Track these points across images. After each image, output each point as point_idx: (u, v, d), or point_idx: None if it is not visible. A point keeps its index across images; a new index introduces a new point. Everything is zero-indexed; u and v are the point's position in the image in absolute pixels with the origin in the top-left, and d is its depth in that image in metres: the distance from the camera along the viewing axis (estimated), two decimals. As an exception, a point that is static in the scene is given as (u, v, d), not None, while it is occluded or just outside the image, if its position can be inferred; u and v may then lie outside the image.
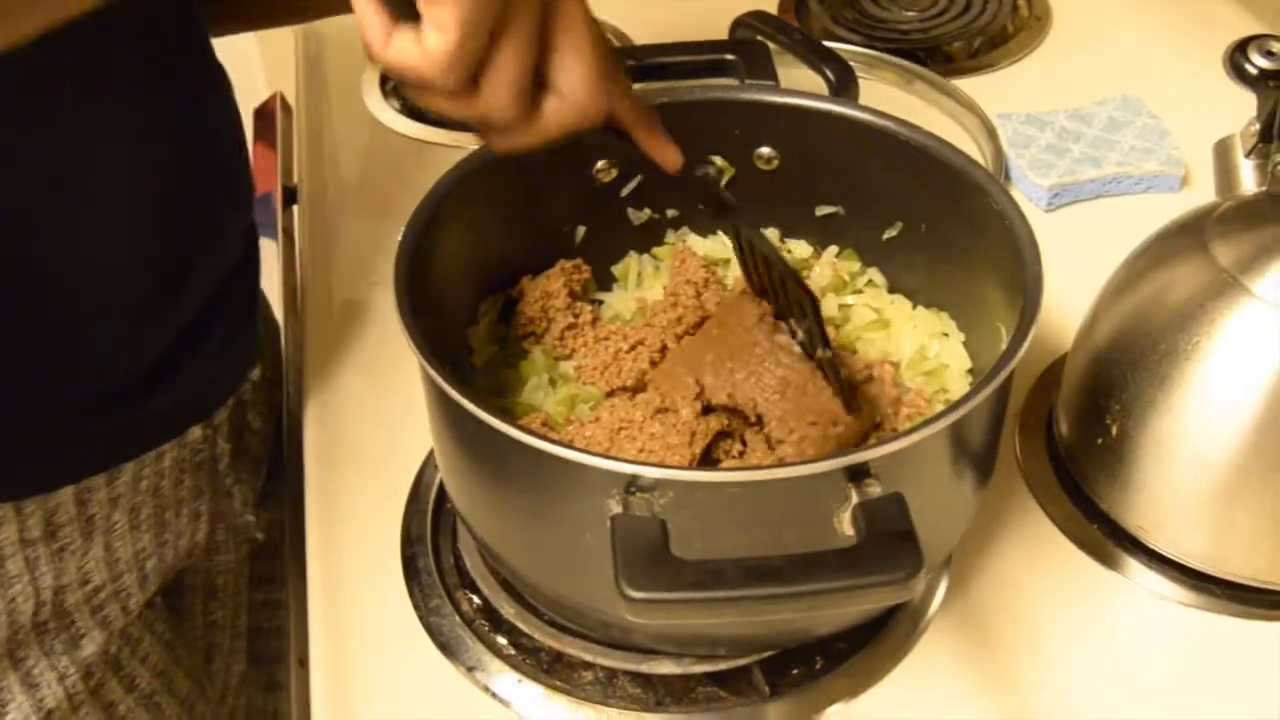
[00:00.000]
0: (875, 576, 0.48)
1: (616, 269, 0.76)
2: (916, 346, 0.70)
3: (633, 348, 0.69)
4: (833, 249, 0.75)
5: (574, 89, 0.52)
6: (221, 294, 0.72)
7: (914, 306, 0.73)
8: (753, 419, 0.64)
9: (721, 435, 0.64)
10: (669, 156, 0.61)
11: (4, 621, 0.68)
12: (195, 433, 0.73)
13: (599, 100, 0.53)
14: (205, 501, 0.77)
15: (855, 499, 0.51)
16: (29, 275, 0.61)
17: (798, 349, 0.64)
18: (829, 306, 0.72)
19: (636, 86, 0.72)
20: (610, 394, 0.67)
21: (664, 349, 0.69)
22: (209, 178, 0.69)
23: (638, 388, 0.67)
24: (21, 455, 0.65)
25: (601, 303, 0.75)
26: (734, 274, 0.74)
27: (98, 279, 0.64)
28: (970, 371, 0.69)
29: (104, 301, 0.64)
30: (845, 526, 0.51)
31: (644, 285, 0.76)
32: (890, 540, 0.49)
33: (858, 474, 0.51)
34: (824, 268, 0.74)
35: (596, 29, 0.52)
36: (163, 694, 0.77)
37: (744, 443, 0.64)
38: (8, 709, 0.69)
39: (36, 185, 0.60)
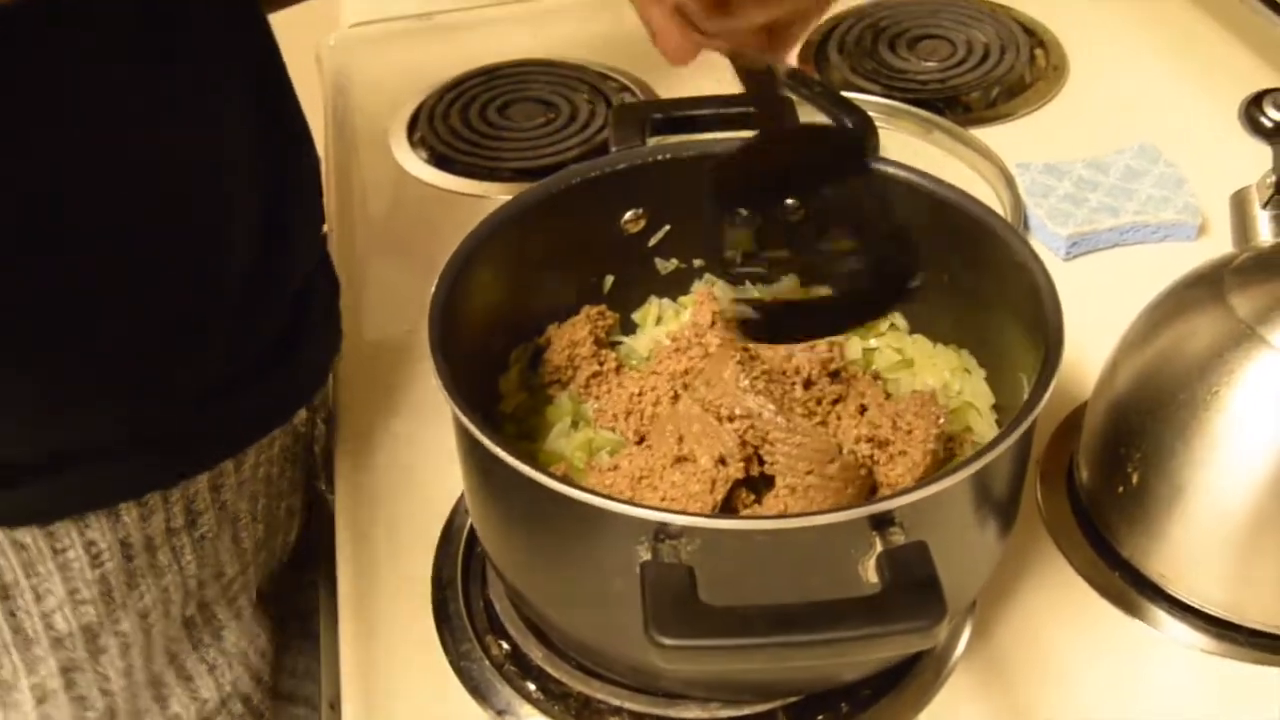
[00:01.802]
0: (899, 624, 0.49)
1: (636, 314, 0.78)
2: (940, 383, 0.71)
3: (642, 394, 0.70)
4: (856, 294, 0.76)
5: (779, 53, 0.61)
6: (313, 278, 0.77)
7: (934, 344, 0.74)
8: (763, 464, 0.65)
9: (738, 484, 0.65)
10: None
11: (160, 614, 0.71)
12: (301, 415, 0.77)
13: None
14: (301, 496, 0.81)
15: (879, 547, 0.52)
16: (173, 259, 0.65)
17: (771, 406, 0.65)
18: (853, 349, 0.73)
19: (665, 140, 0.75)
20: (639, 441, 0.68)
21: (675, 396, 0.70)
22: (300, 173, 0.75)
23: (644, 436, 0.68)
24: (164, 444, 0.69)
25: (621, 344, 0.76)
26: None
27: (224, 256, 0.68)
28: (995, 408, 0.70)
29: (228, 280, 0.68)
30: (870, 574, 0.52)
31: (663, 326, 0.77)
32: (914, 588, 0.49)
33: (881, 522, 0.52)
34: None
35: None
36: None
37: (757, 491, 0.65)
38: (169, 704, 0.73)
39: (181, 166, 0.64)
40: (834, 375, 0.71)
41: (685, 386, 0.70)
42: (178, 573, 0.72)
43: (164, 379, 0.67)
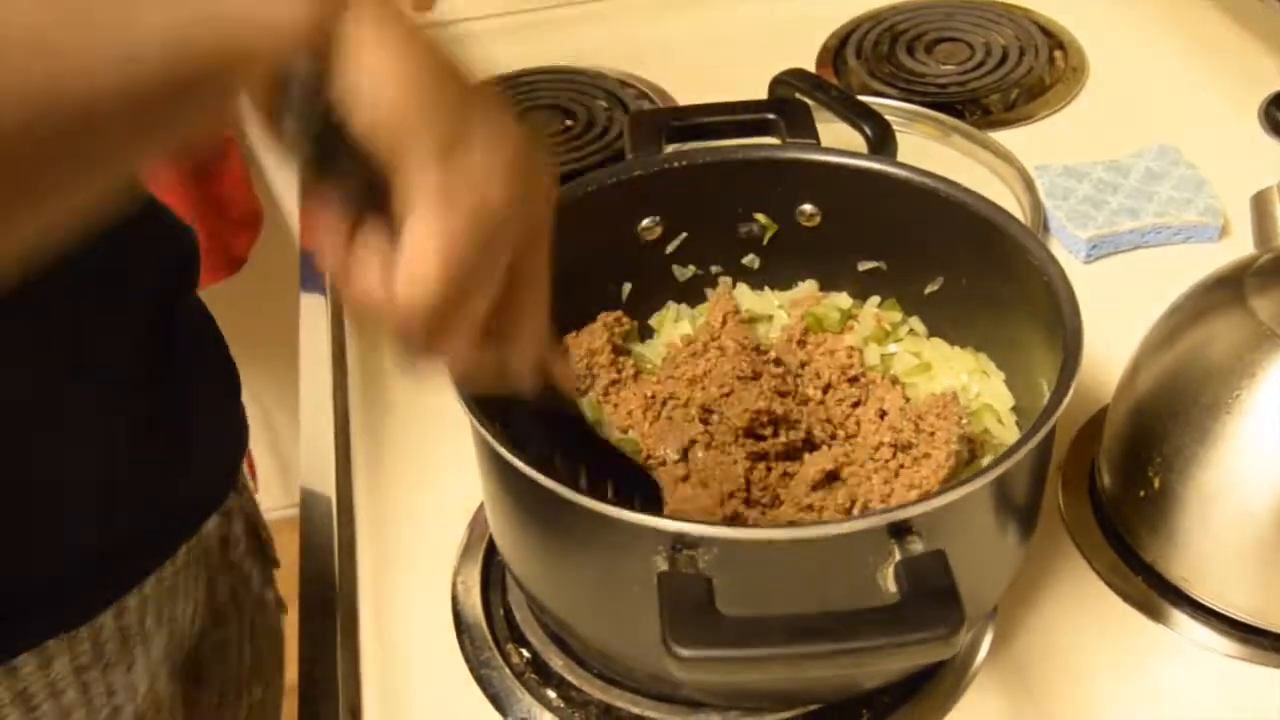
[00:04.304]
0: (917, 634, 0.48)
1: (653, 319, 0.78)
2: (959, 386, 0.71)
3: (657, 398, 0.70)
4: (875, 299, 0.76)
5: (523, 341, 0.48)
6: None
7: (951, 347, 0.74)
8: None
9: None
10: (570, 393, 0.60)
11: None
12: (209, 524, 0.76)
13: (540, 352, 0.50)
14: (208, 585, 0.79)
15: (898, 556, 0.52)
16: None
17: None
18: (871, 355, 0.73)
19: (682, 147, 0.75)
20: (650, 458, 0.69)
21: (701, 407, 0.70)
22: None
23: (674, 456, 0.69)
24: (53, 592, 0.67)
25: (637, 351, 0.76)
26: (774, 333, 0.76)
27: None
28: (1014, 410, 0.70)
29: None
30: (888, 583, 0.52)
31: (678, 329, 0.77)
32: (932, 597, 0.49)
33: (899, 531, 0.52)
34: (866, 318, 0.75)
35: (546, 301, 0.48)
36: None
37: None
38: None
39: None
40: (852, 380, 0.71)
41: (700, 386, 0.70)
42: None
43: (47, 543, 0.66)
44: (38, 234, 0.38)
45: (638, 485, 0.61)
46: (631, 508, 0.53)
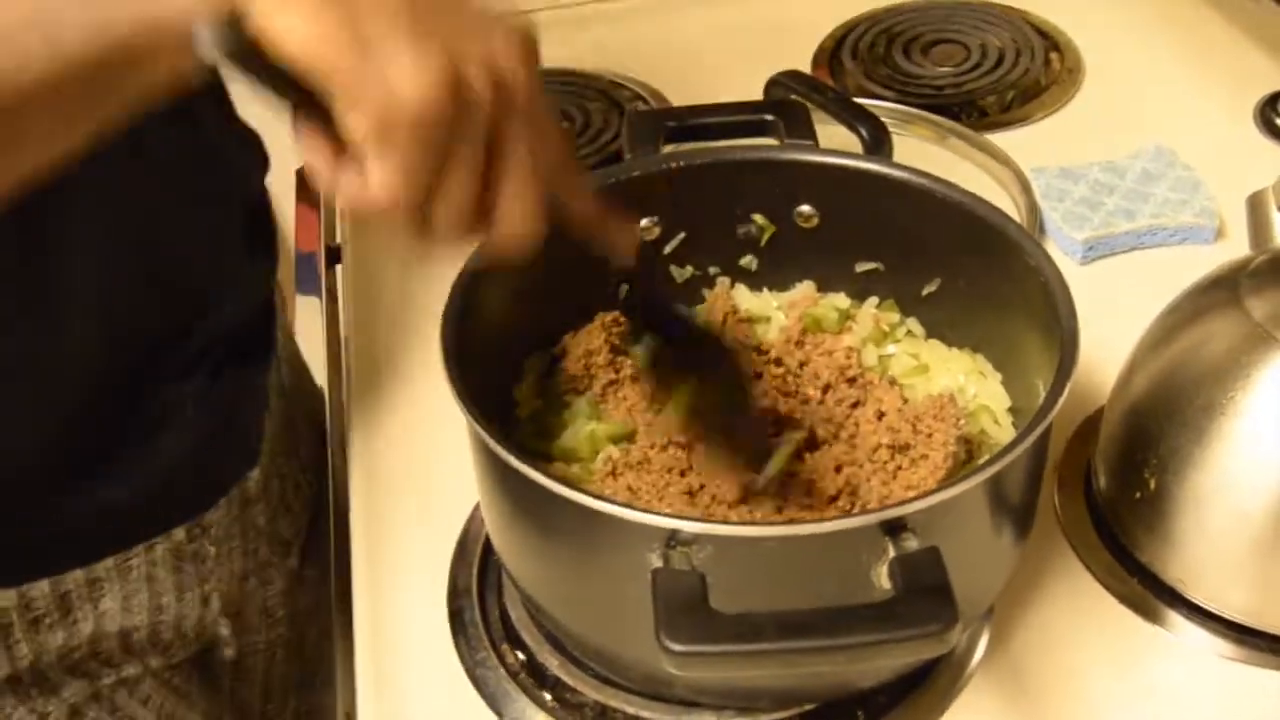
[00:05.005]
0: (911, 630, 0.49)
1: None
2: (956, 387, 0.71)
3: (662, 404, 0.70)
4: (873, 300, 0.76)
5: (510, 221, 0.51)
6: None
7: (948, 348, 0.74)
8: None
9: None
10: (624, 244, 0.60)
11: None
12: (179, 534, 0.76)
13: (534, 228, 0.52)
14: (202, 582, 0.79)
15: (892, 553, 0.52)
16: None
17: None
18: (869, 356, 0.73)
19: (679, 148, 0.75)
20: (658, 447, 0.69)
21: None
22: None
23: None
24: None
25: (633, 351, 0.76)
26: (772, 334, 0.76)
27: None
28: (1011, 410, 0.70)
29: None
30: (882, 580, 0.52)
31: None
32: (926, 594, 0.49)
33: (894, 528, 0.52)
34: (864, 319, 0.75)
35: (545, 147, 0.51)
36: None
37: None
38: None
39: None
40: (851, 381, 0.71)
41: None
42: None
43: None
44: None
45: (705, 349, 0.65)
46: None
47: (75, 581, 0.71)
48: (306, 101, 0.46)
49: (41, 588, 0.70)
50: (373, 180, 0.46)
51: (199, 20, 0.43)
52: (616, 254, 0.59)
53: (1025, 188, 0.96)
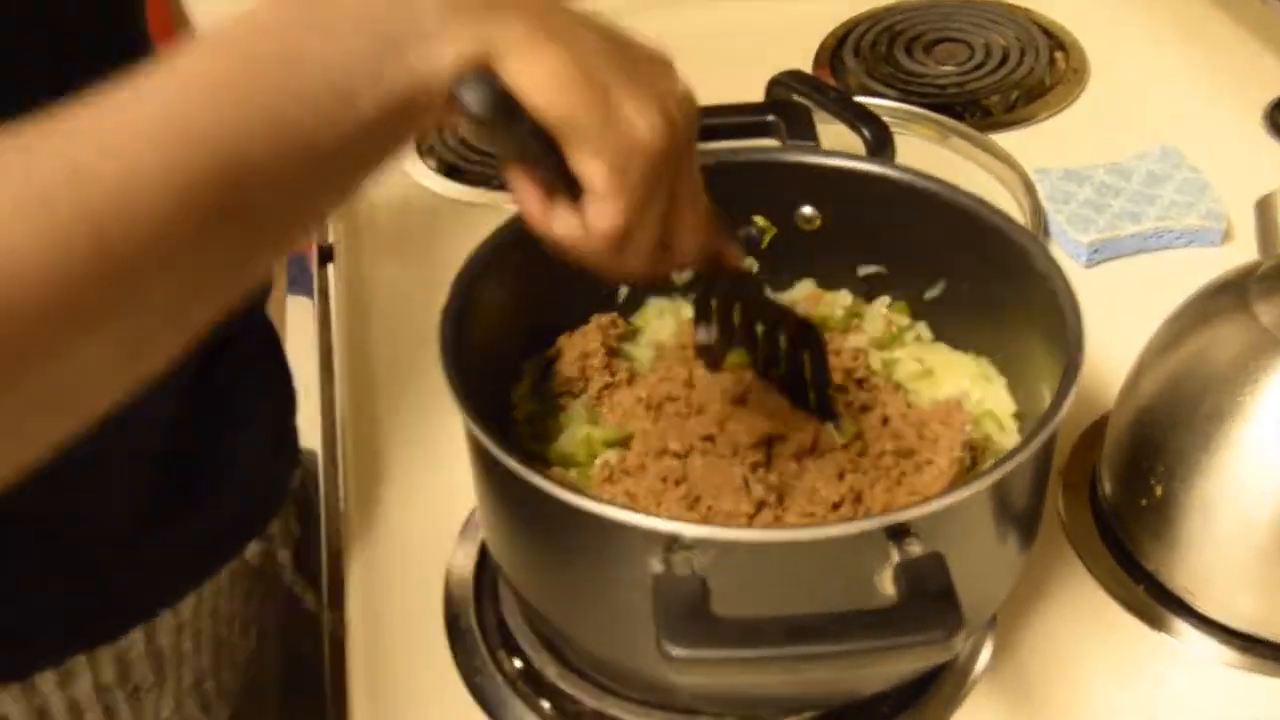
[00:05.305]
0: (914, 636, 0.48)
1: (636, 318, 0.76)
2: (960, 391, 0.70)
3: (650, 398, 0.69)
4: (884, 299, 0.75)
5: (686, 249, 0.55)
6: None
7: (952, 352, 0.73)
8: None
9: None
10: (737, 256, 0.63)
11: None
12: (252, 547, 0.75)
13: (704, 255, 0.57)
14: (262, 612, 0.78)
15: (896, 558, 0.51)
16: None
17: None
18: (874, 360, 0.73)
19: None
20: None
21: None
22: None
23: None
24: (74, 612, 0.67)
25: (629, 353, 0.75)
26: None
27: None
28: (1016, 416, 0.69)
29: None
30: (886, 585, 0.51)
31: (663, 325, 0.76)
32: (930, 600, 0.49)
33: (898, 534, 0.52)
34: (874, 319, 0.74)
35: (702, 188, 0.55)
36: None
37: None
38: None
39: None
40: (859, 383, 0.70)
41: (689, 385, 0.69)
42: None
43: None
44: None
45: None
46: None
47: (166, 629, 0.70)
48: (533, 150, 0.48)
49: (136, 644, 0.69)
50: (602, 219, 0.49)
51: (458, 76, 0.45)
52: (734, 264, 0.62)
53: (1029, 189, 0.95)
